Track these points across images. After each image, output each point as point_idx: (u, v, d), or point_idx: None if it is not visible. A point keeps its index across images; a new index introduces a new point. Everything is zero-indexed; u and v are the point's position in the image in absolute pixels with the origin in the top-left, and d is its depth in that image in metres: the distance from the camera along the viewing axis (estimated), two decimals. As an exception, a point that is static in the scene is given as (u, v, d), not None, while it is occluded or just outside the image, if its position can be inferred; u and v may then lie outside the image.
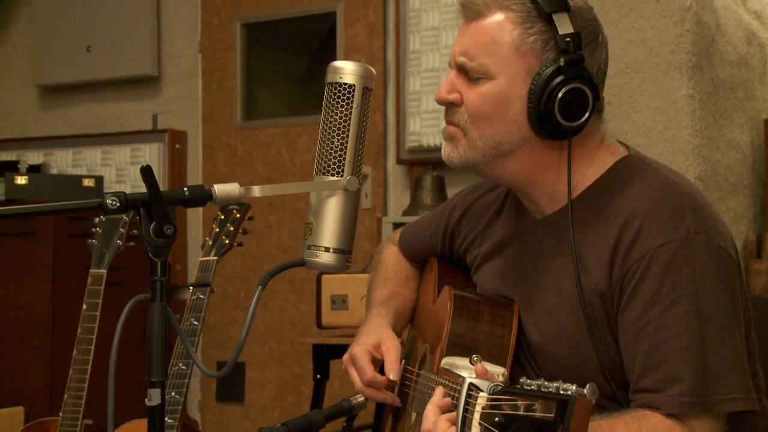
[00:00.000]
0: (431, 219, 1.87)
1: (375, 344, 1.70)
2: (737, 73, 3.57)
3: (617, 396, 1.47)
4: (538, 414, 1.04)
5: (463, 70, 1.53)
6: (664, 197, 1.46)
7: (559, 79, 1.46)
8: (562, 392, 1.04)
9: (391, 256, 1.94)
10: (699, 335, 1.38)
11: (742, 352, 1.43)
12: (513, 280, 1.62)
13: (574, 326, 1.49)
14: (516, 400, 1.08)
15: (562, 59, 1.46)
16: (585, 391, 1.04)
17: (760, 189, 3.66)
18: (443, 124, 1.57)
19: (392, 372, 1.64)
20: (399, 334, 1.81)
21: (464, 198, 1.81)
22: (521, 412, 1.06)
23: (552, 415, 1.03)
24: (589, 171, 1.54)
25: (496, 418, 1.09)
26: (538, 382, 1.08)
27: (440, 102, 1.55)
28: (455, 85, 1.54)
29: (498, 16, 1.49)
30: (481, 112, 1.50)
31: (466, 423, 1.14)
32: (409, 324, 1.89)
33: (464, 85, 1.53)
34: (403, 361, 1.73)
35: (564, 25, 1.46)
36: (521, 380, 1.10)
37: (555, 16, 1.46)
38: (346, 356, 1.71)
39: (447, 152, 1.56)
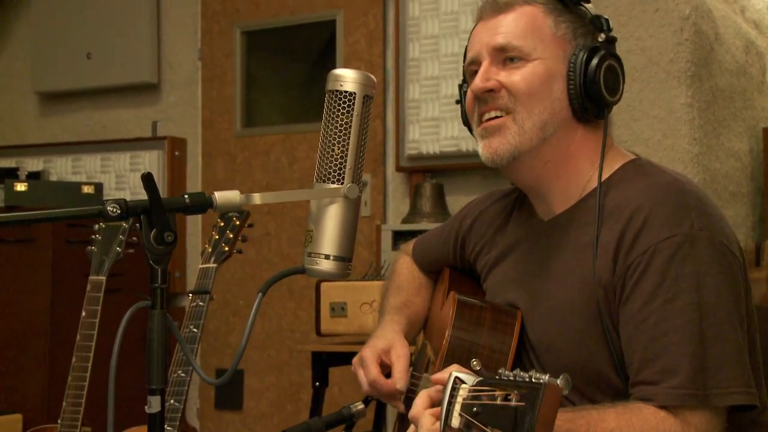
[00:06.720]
0: (443, 229, 1.90)
1: (385, 348, 1.71)
2: (736, 82, 3.58)
3: (626, 388, 1.47)
4: (513, 403, 1.08)
5: (499, 57, 1.56)
6: (669, 193, 1.48)
7: (602, 53, 1.54)
8: (534, 380, 1.08)
9: (404, 266, 1.96)
10: (699, 329, 1.39)
11: (744, 348, 1.42)
12: (520, 281, 1.64)
13: (579, 321, 1.50)
14: (494, 391, 1.11)
15: (602, 35, 1.55)
16: (558, 381, 1.07)
17: (758, 198, 3.66)
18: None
19: (399, 382, 1.65)
20: (411, 341, 1.82)
21: (475, 207, 1.83)
22: (498, 402, 1.10)
23: (524, 403, 1.07)
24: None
25: (474, 408, 1.12)
26: (515, 372, 1.12)
27: (479, 91, 1.56)
28: (491, 74, 1.56)
29: (528, 8, 1.56)
30: (530, 89, 1.53)
31: (449, 415, 1.17)
32: (422, 332, 1.90)
33: (502, 71, 1.56)
34: (411, 368, 1.74)
35: (589, 13, 1.57)
36: (499, 371, 1.13)
37: (580, 7, 1.57)
38: (356, 358, 1.73)
39: (494, 146, 1.55)
